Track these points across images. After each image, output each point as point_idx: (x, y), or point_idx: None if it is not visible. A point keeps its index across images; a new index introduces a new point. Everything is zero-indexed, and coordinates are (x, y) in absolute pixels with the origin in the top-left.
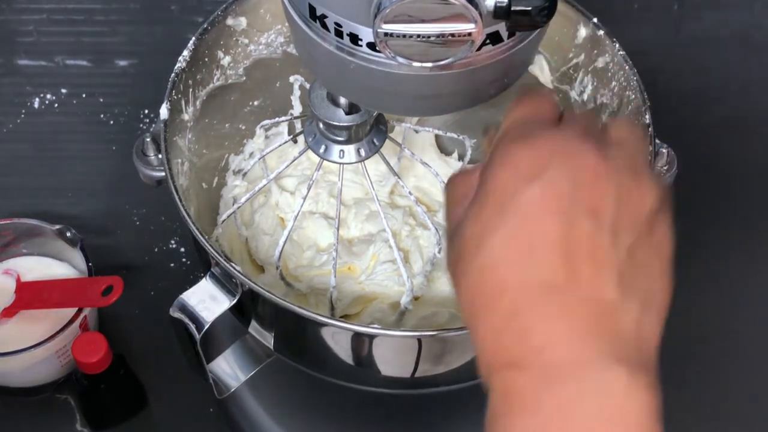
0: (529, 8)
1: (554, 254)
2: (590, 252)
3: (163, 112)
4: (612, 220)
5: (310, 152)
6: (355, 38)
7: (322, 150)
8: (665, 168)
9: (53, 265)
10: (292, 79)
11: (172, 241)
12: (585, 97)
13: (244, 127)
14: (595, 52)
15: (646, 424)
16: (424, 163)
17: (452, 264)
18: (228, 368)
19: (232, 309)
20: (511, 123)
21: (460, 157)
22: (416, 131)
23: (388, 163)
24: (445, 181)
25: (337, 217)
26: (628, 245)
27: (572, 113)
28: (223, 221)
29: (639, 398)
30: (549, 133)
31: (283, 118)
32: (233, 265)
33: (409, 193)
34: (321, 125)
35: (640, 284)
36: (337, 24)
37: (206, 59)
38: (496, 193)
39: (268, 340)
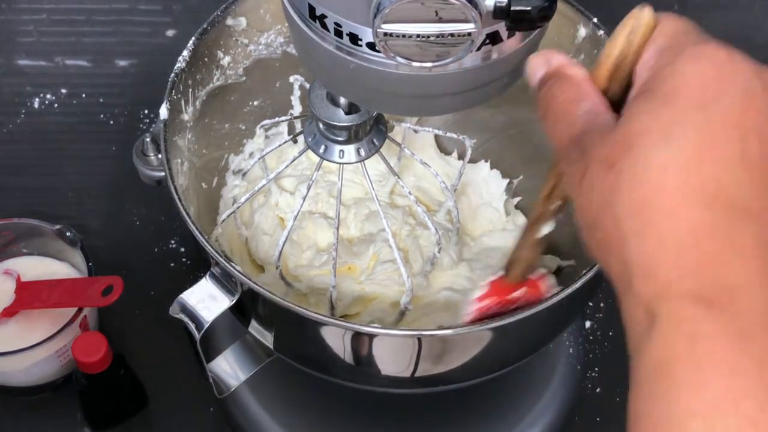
0: (529, 8)
1: (753, 174)
2: None
3: (163, 112)
4: None
5: (309, 152)
6: (354, 38)
7: (321, 150)
8: None
9: (53, 265)
10: (292, 79)
11: (172, 241)
12: None
13: (244, 127)
14: (595, 52)
15: None
16: (424, 163)
17: (605, 158)
18: (228, 368)
19: (231, 309)
20: (675, 26)
21: (460, 157)
22: (416, 131)
23: (387, 163)
24: (445, 182)
25: (336, 216)
26: None
27: None
28: (223, 221)
29: None
30: (731, 47)
31: (283, 118)
32: (233, 264)
33: (409, 192)
34: (321, 125)
35: None
36: (336, 24)
37: (206, 59)
38: (691, 89)
39: (268, 339)
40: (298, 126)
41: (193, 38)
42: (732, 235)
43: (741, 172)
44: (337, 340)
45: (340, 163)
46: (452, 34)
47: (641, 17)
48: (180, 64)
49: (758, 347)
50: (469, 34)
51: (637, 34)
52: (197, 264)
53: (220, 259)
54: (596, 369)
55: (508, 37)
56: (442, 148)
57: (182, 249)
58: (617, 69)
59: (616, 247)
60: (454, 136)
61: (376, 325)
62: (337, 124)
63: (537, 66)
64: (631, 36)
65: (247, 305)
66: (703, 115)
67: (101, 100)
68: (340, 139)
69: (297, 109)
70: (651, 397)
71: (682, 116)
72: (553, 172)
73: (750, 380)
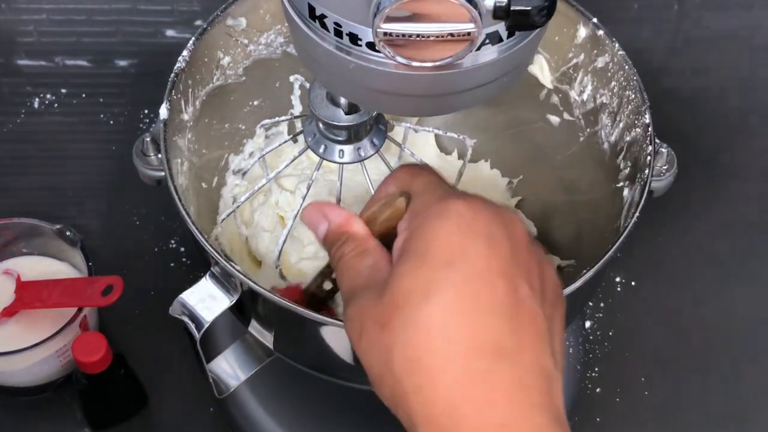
0: (529, 8)
1: (503, 318)
2: (531, 318)
3: (163, 112)
4: (538, 285)
5: (309, 152)
6: (354, 38)
7: (321, 150)
8: (665, 168)
9: (53, 265)
10: (292, 78)
11: (172, 241)
12: (585, 97)
13: (243, 127)
14: (595, 52)
15: None
16: (424, 163)
17: (377, 319)
18: (228, 368)
19: (231, 308)
20: (425, 184)
21: (460, 156)
22: (416, 131)
23: (387, 163)
24: None
25: None
26: (549, 311)
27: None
28: (223, 220)
29: None
30: (473, 196)
31: (283, 118)
32: (233, 264)
33: None
34: (321, 125)
35: (557, 347)
36: (336, 24)
37: (206, 59)
38: (441, 245)
39: (268, 339)
40: (299, 126)
41: (193, 38)
42: (494, 378)
43: (493, 317)
44: (337, 340)
45: (340, 163)
46: (452, 34)
47: (397, 206)
48: (180, 64)
49: None
50: (469, 34)
51: (385, 212)
52: (197, 264)
53: (220, 258)
54: (596, 369)
55: (508, 36)
56: (443, 147)
57: (182, 249)
58: (380, 224)
59: (401, 402)
60: (455, 136)
61: None
62: (337, 123)
63: (315, 221)
64: (383, 208)
65: (247, 305)
66: (453, 270)
67: (101, 100)
68: (340, 138)
69: (297, 108)
70: None
71: (436, 274)
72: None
73: None
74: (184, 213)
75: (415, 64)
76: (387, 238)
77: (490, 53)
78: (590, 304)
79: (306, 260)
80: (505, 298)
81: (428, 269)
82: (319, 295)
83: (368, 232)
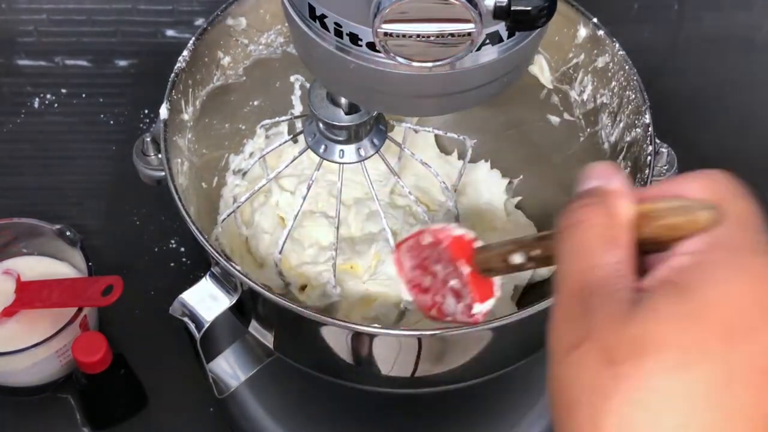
0: (529, 8)
1: (751, 428)
2: None
3: (163, 112)
4: None
5: (310, 152)
6: (354, 38)
7: (322, 150)
8: (665, 168)
9: (53, 265)
10: (292, 78)
11: (172, 241)
12: (585, 97)
13: (244, 127)
14: (595, 52)
15: None
16: (424, 163)
17: (608, 346)
18: (228, 368)
19: (232, 308)
20: (744, 212)
21: (460, 156)
22: (416, 131)
23: (387, 163)
24: (445, 182)
25: (336, 216)
26: None
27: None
28: (223, 220)
29: None
30: None
31: (283, 118)
32: (233, 264)
33: (409, 193)
34: (321, 125)
35: None
36: (336, 24)
37: (206, 59)
38: (731, 312)
39: (268, 339)
40: (299, 126)
41: (193, 38)
42: None
43: (745, 425)
44: (337, 340)
45: (340, 163)
46: (452, 34)
47: (697, 220)
48: (180, 64)
49: None
50: (469, 34)
51: (676, 217)
52: (197, 264)
53: (221, 258)
54: None
55: (508, 37)
56: (443, 147)
57: (182, 249)
58: (657, 227)
59: None
60: (455, 136)
61: (376, 325)
62: (337, 124)
63: (598, 174)
64: (676, 212)
65: (247, 305)
66: (731, 352)
67: (101, 100)
68: (340, 138)
69: (297, 108)
70: None
71: (708, 344)
72: (541, 242)
73: None
74: (184, 213)
75: (415, 64)
76: (647, 246)
77: (490, 53)
78: None
79: (307, 264)
80: (764, 409)
81: (701, 330)
82: (496, 267)
83: (632, 221)
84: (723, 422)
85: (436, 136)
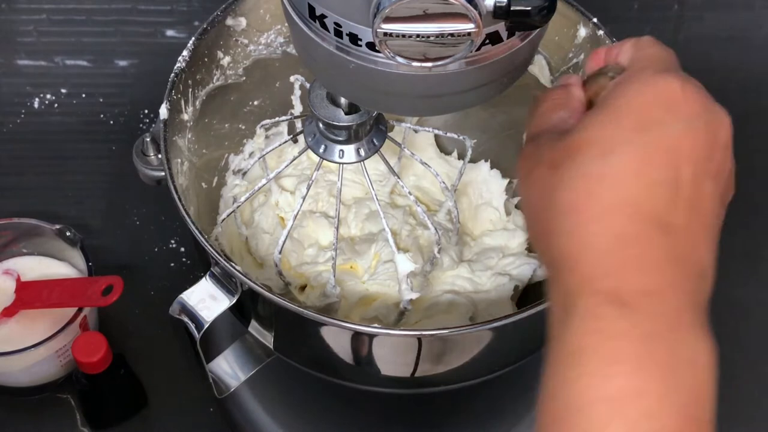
0: (529, 8)
1: (675, 198)
2: (705, 213)
3: (163, 112)
4: (722, 190)
5: (310, 152)
6: (354, 38)
7: (321, 150)
8: None
9: (53, 265)
10: (292, 78)
11: (172, 241)
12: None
13: (244, 127)
14: None
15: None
16: (424, 164)
17: (551, 159)
18: (228, 368)
19: (231, 308)
20: (651, 58)
21: (460, 156)
22: (416, 131)
23: (387, 163)
24: (445, 182)
25: (336, 216)
26: (721, 217)
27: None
28: (223, 220)
29: (713, 373)
30: (693, 81)
31: (283, 118)
32: (233, 264)
33: (409, 193)
34: (321, 125)
35: (713, 257)
36: (336, 24)
37: (206, 59)
38: (638, 110)
39: (268, 339)
40: (299, 126)
41: (193, 38)
42: (650, 247)
43: (667, 193)
44: (337, 340)
45: (339, 163)
46: (452, 34)
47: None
48: (180, 64)
49: (662, 349)
50: (469, 34)
51: (598, 81)
52: (197, 264)
53: (220, 258)
54: None
55: (508, 37)
56: (442, 147)
57: (182, 249)
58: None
59: (550, 241)
60: (455, 136)
61: (376, 325)
62: (337, 123)
63: (563, 79)
64: (600, 84)
65: (247, 305)
66: (642, 136)
67: (101, 100)
68: (340, 138)
69: (297, 108)
70: (563, 381)
71: (624, 134)
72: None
73: (652, 378)
74: (184, 213)
75: (415, 64)
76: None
77: (490, 54)
78: None
79: (307, 265)
80: (685, 183)
81: (617, 127)
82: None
83: (579, 82)
84: (646, 189)
85: (436, 136)
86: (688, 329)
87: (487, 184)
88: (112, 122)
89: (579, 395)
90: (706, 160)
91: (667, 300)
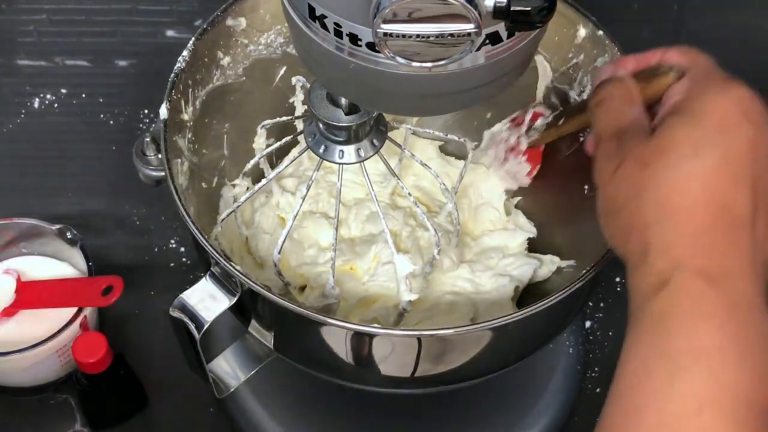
0: (529, 8)
1: (754, 193)
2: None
3: (163, 112)
4: None
5: (310, 152)
6: (354, 38)
7: (321, 150)
8: None
9: (53, 265)
10: (294, 80)
11: (172, 241)
12: (585, 97)
13: (244, 127)
14: (595, 52)
15: None
16: (424, 165)
17: (640, 157)
18: (228, 368)
19: (232, 308)
20: (707, 66)
21: (460, 157)
22: (415, 133)
23: (387, 164)
24: (445, 183)
25: (336, 217)
26: None
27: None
28: (223, 220)
29: None
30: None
31: (284, 118)
32: (233, 264)
33: (409, 194)
34: (321, 125)
35: None
36: (336, 24)
37: (206, 59)
38: (719, 114)
39: (268, 339)
40: (299, 126)
41: (193, 38)
42: (731, 235)
43: (745, 190)
44: (337, 340)
45: (339, 164)
46: (452, 35)
47: (668, 75)
48: (180, 64)
49: (741, 315)
50: (469, 34)
51: (656, 80)
52: (197, 264)
53: (220, 259)
54: (596, 369)
55: (508, 37)
56: (443, 148)
57: (182, 249)
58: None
59: (638, 231)
60: (455, 138)
61: (376, 325)
62: (337, 124)
63: (607, 71)
64: (656, 77)
65: (247, 305)
66: (725, 138)
67: (101, 100)
68: (339, 139)
69: (298, 109)
70: (652, 335)
71: (709, 136)
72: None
73: (733, 339)
74: (184, 213)
75: (414, 64)
76: (648, 103)
77: (490, 54)
78: (590, 304)
79: (306, 265)
80: (758, 179)
81: (702, 129)
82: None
83: (638, 88)
84: (728, 184)
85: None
86: (762, 310)
87: (487, 184)
88: (112, 122)
89: (665, 345)
90: None
91: (747, 281)
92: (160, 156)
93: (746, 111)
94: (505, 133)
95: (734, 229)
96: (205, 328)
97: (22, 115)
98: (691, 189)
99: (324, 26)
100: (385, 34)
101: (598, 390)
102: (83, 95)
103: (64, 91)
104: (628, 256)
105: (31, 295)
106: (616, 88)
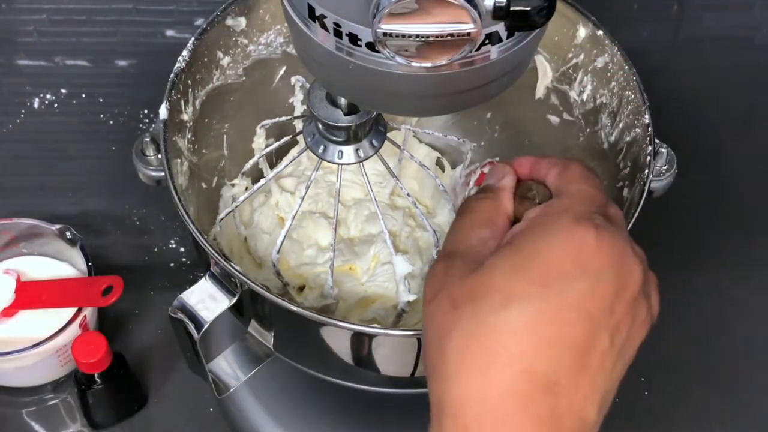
0: (528, 8)
1: (567, 358)
2: (596, 370)
3: (163, 112)
4: (622, 344)
5: (309, 152)
6: (354, 38)
7: (320, 150)
8: (665, 168)
9: (53, 265)
10: (293, 80)
11: (172, 241)
12: (584, 97)
13: (244, 127)
14: (595, 52)
15: None
16: (423, 166)
17: (454, 295)
18: (228, 368)
19: (231, 308)
20: (578, 193)
21: (453, 165)
22: (415, 134)
23: (386, 165)
24: (444, 184)
25: (335, 217)
26: (618, 370)
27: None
28: (222, 219)
29: None
30: (611, 230)
31: (284, 118)
32: (233, 264)
33: (407, 194)
34: (320, 125)
35: (606, 406)
36: (336, 24)
37: (206, 59)
38: (546, 262)
39: (268, 339)
40: (299, 126)
41: (193, 38)
42: (532, 405)
43: (559, 353)
44: (336, 340)
45: (338, 164)
46: (452, 35)
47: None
48: (180, 64)
49: None
50: (469, 34)
51: (525, 204)
52: (197, 264)
53: (220, 259)
54: None
55: (508, 37)
56: (440, 150)
57: (182, 249)
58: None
59: (438, 379)
60: (454, 138)
61: (375, 325)
62: (337, 124)
63: (495, 174)
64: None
65: (247, 305)
66: (546, 292)
67: (101, 100)
68: (339, 139)
69: (298, 109)
70: None
71: (527, 287)
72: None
73: None
74: (183, 213)
75: (414, 64)
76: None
77: (490, 54)
78: None
79: (305, 265)
80: (581, 342)
81: (522, 278)
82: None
83: (508, 203)
84: (537, 348)
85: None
86: None
87: None
88: (112, 122)
89: None
90: (607, 315)
91: None
92: (159, 156)
93: (584, 258)
94: (459, 188)
95: (536, 398)
96: (205, 328)
97: (22, 115)
98: (492, 347)
99: (324, 26)
100: (384, 33)
101: None
102: (83, 95)
103: (64, 91)
104: (431, 398)
105: (31, 295)
106: (486, 202)
